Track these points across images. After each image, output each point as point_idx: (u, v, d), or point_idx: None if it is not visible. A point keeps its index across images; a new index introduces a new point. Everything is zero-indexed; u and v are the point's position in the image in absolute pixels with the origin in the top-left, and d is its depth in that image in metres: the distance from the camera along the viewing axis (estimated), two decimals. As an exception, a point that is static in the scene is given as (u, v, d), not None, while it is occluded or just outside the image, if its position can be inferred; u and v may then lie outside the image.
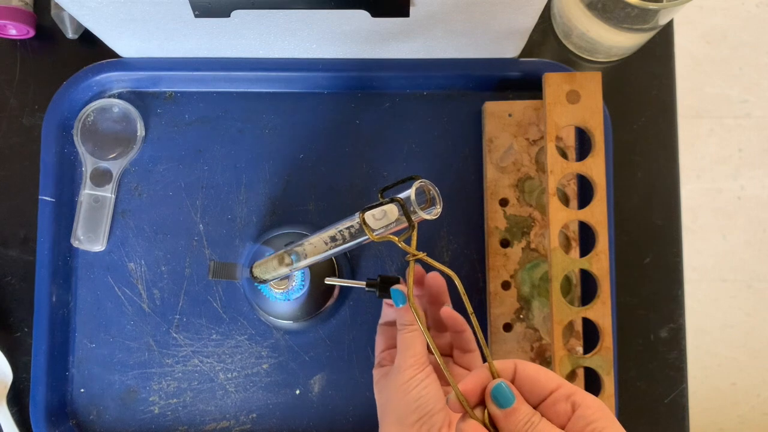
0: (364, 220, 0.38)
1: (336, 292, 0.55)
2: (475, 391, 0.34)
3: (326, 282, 0.50)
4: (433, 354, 0.39)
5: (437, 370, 0.48)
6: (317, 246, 0.44)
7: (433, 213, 0.37)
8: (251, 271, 0.50)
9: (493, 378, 0.34)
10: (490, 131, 0.58)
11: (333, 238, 0.42)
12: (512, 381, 0.35)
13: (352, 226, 0.41)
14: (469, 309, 0.36)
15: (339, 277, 0.54)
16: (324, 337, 0.57)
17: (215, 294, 0.58)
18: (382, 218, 0.38)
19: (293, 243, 0.52)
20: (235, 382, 0.57)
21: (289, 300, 0.52)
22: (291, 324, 0.56)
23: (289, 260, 0.46)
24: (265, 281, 0.50)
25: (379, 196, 0.38)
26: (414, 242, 0.36)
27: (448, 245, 0.58)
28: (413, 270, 0.36)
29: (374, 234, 0.38)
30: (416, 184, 0.37)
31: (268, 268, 0.49)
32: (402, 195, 0.37)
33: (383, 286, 0.47)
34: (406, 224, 0.37)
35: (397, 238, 0.36)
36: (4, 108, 0.60)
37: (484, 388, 0.34)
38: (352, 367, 0.57)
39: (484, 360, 0.47)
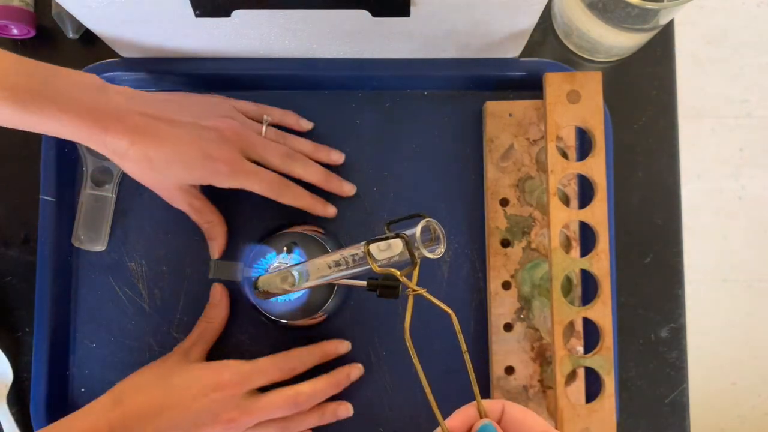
0: (368, 251, 0.39)
1: (336, 291, 0.55)
2: (461, 429, 0.35)
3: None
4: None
5: None
6: (321, 269, 0.45)
7: (436, 252, 0.39)
8: (255, 284, 0.51)
9: (480, 417, 0.35)
10: (491, 131, 0.58)
11: (337, 263, 0.44)
12: (498, 422, 0.35)
13: (356, 254, 0.42)
14: (463, 347, 0.36)
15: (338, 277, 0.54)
16: (325, 336, 0.57)
17: (216, 294, 0.58)
18: (386, 250, 0.39)
19: (294, 244, 0.52)
20: (235, 382, 0.57)
21: (289, 300, 0.52)
22: (292, 323, 0.56)
23: (292, 279, 0.47)
24: (267, 294, 0.50)
25: (386, 229, 0.39)
26: (415, 278, 0.37)
27: (448, 245, 0.58)
28: (411, 304, 0.37)
29: (377, 265, 0.39)
30: (422, 222, 0.38)
31: (271, 283, 0.49)
32: (408, 232, 0.38)
33: (384, 286, 0.47)
34: (408, 258, 0.38)
35: (399, 272, 0.37)
36: (5, 108, 0.60)
37: (470, 426, 0.35)
38: (353, 367, 0.57)
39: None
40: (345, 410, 0.55)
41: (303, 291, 0.52)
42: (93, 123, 0.48)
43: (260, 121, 0.56)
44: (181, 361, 0.52)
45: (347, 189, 0.57)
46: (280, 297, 0.52)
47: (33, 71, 0.47)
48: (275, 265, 0.52)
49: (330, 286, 0.53)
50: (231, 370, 0.50)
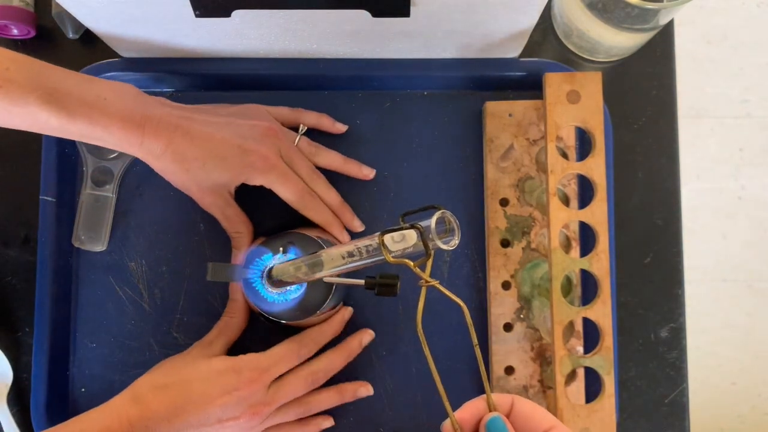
0: (383, 241, 0.39)
1: (334, 290, 0.55)
2: (470, 421, 0.35)
3: (324, 280, 0.50)
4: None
5: None
6: (335, 259, 0.45)
7: (451, 243, 0.38)
8: (269, 273, 0.50)
9: (490, 411, 0.35)
10: (491, 131, 0.58)
11: (350, 254, 0.43)
12: (507, 416, 0.35)
13: (370, 245, 0.42)
14: (474, 341, 0.36)
15: (337, 276, 0.54)
16: (324, 336, 0.57)
17: (216, 293, 0.58)
18: (400, 241, 0.39)
19: (291, 244, 0.52)
20: (235, 382, 0.57)
21: (286, 300, 0.52)
22: (293, 323, 0.56)
23: (306, 270, 0.47)
24: (281, 284, 0.50)
25: (400, 220, 0.39)
26: (428, 269, 0.37)
27: (448, 245, 0.58)
28: (424, 295, 0.37)
29: (391, 256, 0.38)
30: (437, 214, 0.38)
31: (285, 272, 0.49)
32: (423, 223, 0.38)
33: (382, 284, 0.47)
34: (421, 249, 0.38)
35: (412, 263, 0.37)
36: (5, 108, 0.60)
37: (479, 419, 0.35)
38: (353, 367, 0.57)
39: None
40: (365, 390, 0.56)
41: (300, 291, 0.52)
42: (131, 126, 0.48)
43: (296, 129, 0.57)
44: (200, 357, 0.52)
45: (357, 225, 0.58)
46: (276, 297, 0.52)
47: (70, 78, 0.47)
48: (276, 263, 0.52)
49: (328, 285, 0.53)
50: (250, 366, 0.50)
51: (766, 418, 1.34)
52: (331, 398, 0.55)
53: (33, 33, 0.60)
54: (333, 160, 0.57)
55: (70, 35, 0.60)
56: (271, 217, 0.58)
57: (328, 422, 0.56)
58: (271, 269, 0.50)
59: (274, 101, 0.58)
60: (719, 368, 1.34)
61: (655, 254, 0.59)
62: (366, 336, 0.57)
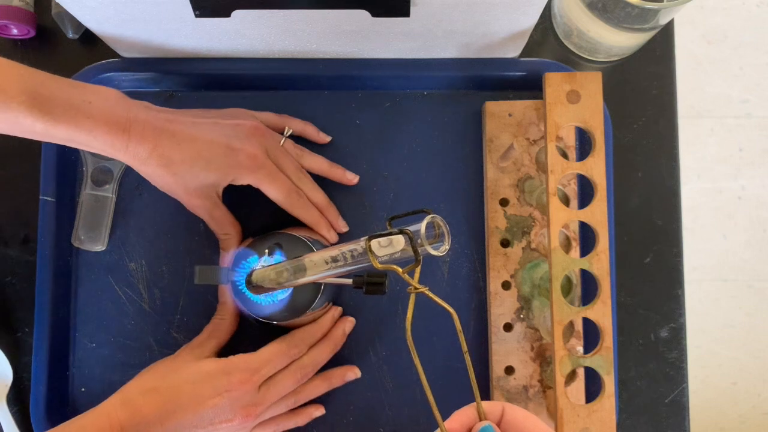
0: (370, 247, 0.38)
1: (323, 290, 0.54)
2: (460, 431, 0.35)
3: (313, 279, 0.50)
4: None
5: None
6: (318, 264, 0.44)
7: (441, 249, 0.38)
8: (249, 279, 0.50)
9: (480, 419, 0.35)
10: (490, 131, 0.58)
11: (334, 259, 0.42)
12: (498, 424, 0.35)
13: (355, 249, 0.41)
14: (464, 348, 0.36)
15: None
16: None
17: (215, 293, 0.58)
18: (387, 246, 0.38)
19: (278, 246, 0.51)
20: (235, 382, 0.57)
21: (274, 302, 0.51)
22: (283, 324, 0.55)
23: (287, 275, 0.46)
24: (261, 289, 0.50)
25: (388, 224, 0.38)
26: (417, 275, 0.36)
27: (448, 245, 0.58)
28: (413, 303, 0.36)
29: (378, 261, 0.37)
30: (428, 218, 0.37)
31: (264, 278, 0.48)
32: (412, 227, 0.37)
33: (370, 283, 0.46)
34: (410, 255, 0.37)
35: (401, 270, 0.36)
36: (5, 108, 0.60)
37: (469, 428, 0.35)
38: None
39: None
40: (353, 374, 0.57)
41: (288, 293, 0.51)
42: (116, 130, 0.48)
43: (281, 133, 0.57)
44: (190, 359, 0.52)
45: (341, 224, 0.58)
46: (263, 299, 0.51)
47: (53, 83, 0.47)
48: (258, 267, 0.51)
49: (316, 286, 0.52)
50: (241, 368, 0.50)
51: (766, 418, 1.34)
52: (319, 386, 0.55)
53: (33, 33, 0.60)
54: (318, 163, 0.57)
55: (70, 35, 0.60)
56: (259, 218, 0.58)
57: (319, 411, 0.56)
58: (250, 275, 0.50)
59: (274, 101, 0.59)
60: (719, 368, 1.34)
61: (655, 254, 0.59)
62: (348, 324, 0.57)
